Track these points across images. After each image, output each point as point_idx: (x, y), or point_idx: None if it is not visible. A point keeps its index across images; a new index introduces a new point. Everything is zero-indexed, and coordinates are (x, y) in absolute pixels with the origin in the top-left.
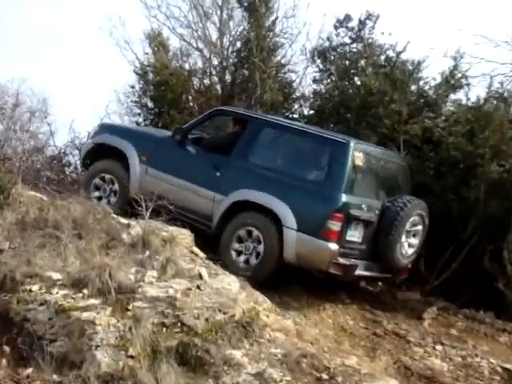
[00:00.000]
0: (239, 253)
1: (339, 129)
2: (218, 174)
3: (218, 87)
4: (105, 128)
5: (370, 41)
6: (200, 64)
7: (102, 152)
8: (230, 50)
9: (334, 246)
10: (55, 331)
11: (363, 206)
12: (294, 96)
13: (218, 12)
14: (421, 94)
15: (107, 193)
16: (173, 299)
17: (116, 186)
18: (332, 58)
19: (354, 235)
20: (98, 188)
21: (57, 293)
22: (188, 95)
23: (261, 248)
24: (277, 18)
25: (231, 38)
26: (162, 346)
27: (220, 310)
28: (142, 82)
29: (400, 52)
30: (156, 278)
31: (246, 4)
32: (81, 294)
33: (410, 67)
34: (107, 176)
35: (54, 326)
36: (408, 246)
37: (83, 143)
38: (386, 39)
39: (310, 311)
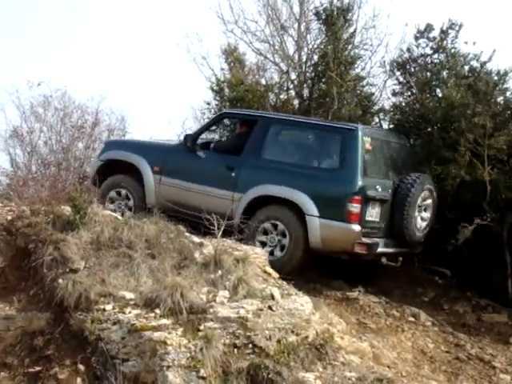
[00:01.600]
0: (263, 244)
1: (420, 143)
2: (233, 174)
3: (295, 102)
4: (112, 144)
5: (453, 51)
6: (276, 78)
7: (112, 168)
8: (308, 63)
9: (356, 227)
10: (128, 351)
11: (377, 186)
12: (373, 110)
13: (296, 25)
14: (507, 105)
15: (122, 207)
16: (244, 320)
17: (131, 200)
18: (412, 69)
19: (373, 215)
20: (113, 202)
21: (129, 312)
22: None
23: (286, 241)
24: (355, 30)
25: (309, 52)
26: (233, 367)
27: (292, 332)
28: (217, 98)
29: (485, 62)
30: (228, 298)
31: (323, 17)
32: (153, 314)
33: (496, 77)
34: (122, 191)
35: (126, 346)
36: (421, 220)
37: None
38: (470, 49)
39: (388, 333)
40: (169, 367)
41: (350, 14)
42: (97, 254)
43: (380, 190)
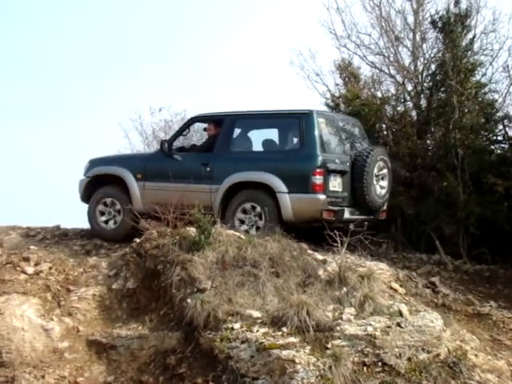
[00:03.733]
0: (242, 222)
1: None
2: (208, 168)
3: (413, 113)
4: (95, 162)
5: None
6: (393, 91)
7: (98, 183)
8: (425, 73)
9: (322, 196)
10: (257, 369)
11: (336, 160)
12: (497, 117)
13: (411, 35)
14: None
15: (112, 215)
16: (372, 337)
17: (118, 207)
18: None
19: (335, 185)
20: (103, 213)
21: (257, 331)
22: (381, 124)
23: (261, 223)
24: (475, 36)
25: (425, 62)
26: None
27: (423, 349)
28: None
29: None
30: (354, 315)
31: (440, 25)
32: (280, 332)
33: None
34: (108, 200)
35: (255, 364)
36: (380, 188)
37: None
38: None
39: None
40: None
41: (468, 20)
42: (222, 273)
43: (339, 162)
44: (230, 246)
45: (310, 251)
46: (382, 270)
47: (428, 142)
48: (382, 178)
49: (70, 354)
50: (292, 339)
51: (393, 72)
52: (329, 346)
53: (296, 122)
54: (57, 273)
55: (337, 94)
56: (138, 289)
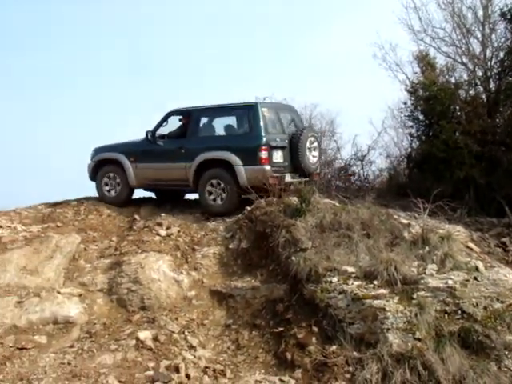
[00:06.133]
0: (210, 193)
1: None
2: (183, 150)
3: (483, 96)
4: (99, 150)
5: None
6: (465, 77)
7: (102, 166)
8: (494, 60)
9: (267, 167)
10: (352, 316)
11: (277, 138)
12: None
13: (481, 27)
14: None
15: (113, 186)
16: (452, 289)
17: (118, 180)
18: None
19: (277, 158)
20: (106, 184)
21: (352, 284)
22: (455, 106)
23: (224, 195)
24: None
25: (494, 50)
26: (445, 330)
27: (497, 299)
28: (412, 98)
29: None
30: (436, 270)
31: (509, 16)
32: (371, 285)
33: None
34: (111, 174)
35: (351, 312)
36: (312, 157)
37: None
38: None
39: None
40: (388, 330)
41: None
42: (321, 235)
43: (279, 140)
44: (326, 212)
45: (395, 216)
46: (458, 232)
47: (497, 120)
48: (314, 150)
49: (197, 301)
50: (382, 291)
51: (465, 60)
52: (414, 296)
53: (246, 111)
54: (184, 235)
55: (415, 81)
56: (250, 248)
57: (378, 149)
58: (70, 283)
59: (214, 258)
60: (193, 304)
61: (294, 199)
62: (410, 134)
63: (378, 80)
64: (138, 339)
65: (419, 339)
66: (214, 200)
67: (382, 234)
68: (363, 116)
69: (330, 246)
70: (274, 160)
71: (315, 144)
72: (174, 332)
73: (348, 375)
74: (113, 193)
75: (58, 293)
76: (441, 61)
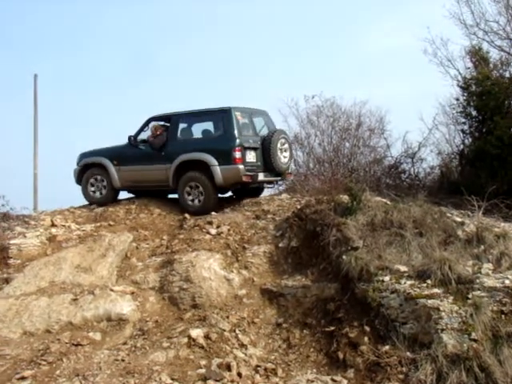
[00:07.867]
0: (189, 194)
1: None
2: (163, 153)
3: None
4: (84, 155)
5: None
6: None
7: (87, 169)
8: None
9: (241, 166)
10: (405, 315)
11: (250, 140)
12: None
13: None
14: None
15: (99, 188)
16: (509, 289)
17: (104, 183)
18: None
19: (250, 158)
20: (92, 185)
21: (404, 283)
22: (510, 101)
23: (202, 197)
24: None
25: None
26: (502, 331)
27: None
28: (465, 94)
29: None
30: (491, 270)
31: None
32: (425, 284)
33: None
34: (98, 177)
35: (403, 311)
36: (283, 158)
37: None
38: None
39: None
40: (443, 330)
41: None
42: (372, 234)
43: (252, 142)
44: (377, 210)
45: (448, 214)
46: None
47: None
48: (285, 151)
49: (248, 300)
50: (436, 290)
51: None
52: (469, 296)
53: (220, 116)
54: (234, 233)
55: (468, 77)
56: (300, 247)
57: (428, 146)
58: (122, 281)
59: (265, 257)
60: (243, 302)
61: (345, 197)
62: (463, 131)
63: (429, 76)
64: (189, 337)
65: (475, 340)
66: (193, 201)
67: (434, 232)
68: (414, 113)
69: (381, 245)
70: (248, 160)
71: (286, 145)
72: (225, 330)
73: (401, 376)
74: (98, 194)
75: (111, 290)
76: (494, 55)
